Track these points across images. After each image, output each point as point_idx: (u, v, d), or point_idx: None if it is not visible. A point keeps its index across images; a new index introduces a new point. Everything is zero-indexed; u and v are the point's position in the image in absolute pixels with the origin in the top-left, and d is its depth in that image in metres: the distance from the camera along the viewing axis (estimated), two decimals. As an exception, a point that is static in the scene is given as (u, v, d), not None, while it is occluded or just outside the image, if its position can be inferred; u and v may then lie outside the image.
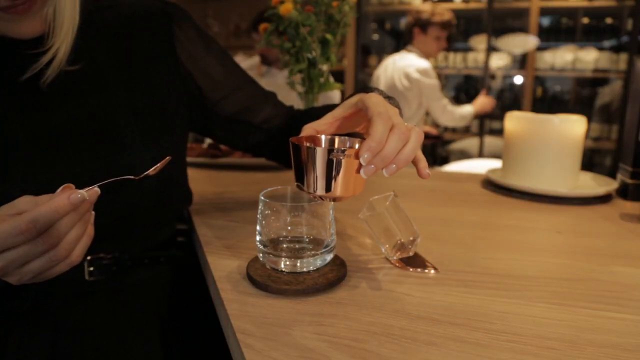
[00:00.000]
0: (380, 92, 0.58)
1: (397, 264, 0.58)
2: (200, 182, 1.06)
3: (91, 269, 0.63)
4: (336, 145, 0.53)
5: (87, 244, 0.45)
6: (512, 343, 0.41)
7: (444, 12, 2.33)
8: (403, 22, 3.52)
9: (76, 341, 0.61)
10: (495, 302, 0.49)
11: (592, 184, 0.98)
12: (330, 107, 0.64)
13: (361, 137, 0.55)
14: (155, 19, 0.68)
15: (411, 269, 0.57)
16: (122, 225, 0.64)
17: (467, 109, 2.46)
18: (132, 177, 0.48)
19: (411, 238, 0.59)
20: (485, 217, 0.81)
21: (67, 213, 0.41)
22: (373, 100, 0.49)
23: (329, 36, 0.92)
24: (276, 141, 0.78)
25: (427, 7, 2.35)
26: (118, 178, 0.47)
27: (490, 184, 1.04)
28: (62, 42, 0.57)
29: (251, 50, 2.30)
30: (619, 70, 2.88)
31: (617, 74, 2.90)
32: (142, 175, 0.49)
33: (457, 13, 3.24)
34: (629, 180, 0.94)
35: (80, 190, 0.42)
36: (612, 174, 1.03)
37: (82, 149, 0.59)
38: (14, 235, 0.39)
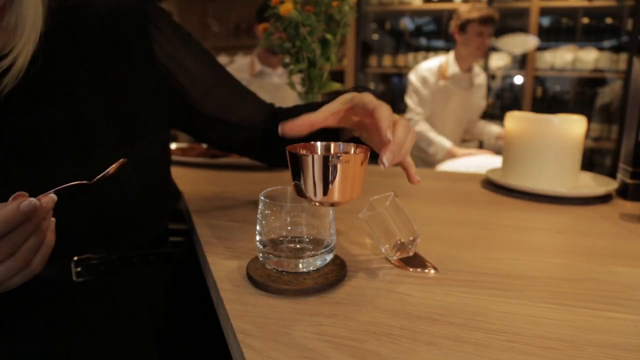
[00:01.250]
0: (372, 92, 0.59)
1: (397, 264, 0.58)
2: (200, 182, 1.06)
3: (79, 269, 0.61)
4: (332, 151, 0.53)
5: (47, 252, 0.44)
6: (512, 343, 0.41)
7: (482, 7, 2.27)
8: (403, 22, 3.53)
9: (67, 342, 0.60)
10: (495, 302, 0.49)
11: (592, 184, 0.98)
12: (314, 105, 0.64)
13: (354, 142, 0.56)
14: (129, 17, 0.66)
15: (411, 269, 0.57)
16: (107, 227, 0.62)
17: (442, 143, 2.24)
18: (85, 182, 0.47)
19: (411, 238, 0.59)
20: (485, 217, 0.81)
21: (20, 222, 0.40)
22: (368, 97, 0.52)
23: (329, 36, 0.92)
24: (260, 141, 0.78)
25: (465, 7, 2.29)
26: (71, 184, 0.45)
27: (490, 184, 1.04)
28: (22, 50, 0.54)
29: (252, 50, 2.28)
30: (618, 70, 2.88)
31: (617, 74, 2.90)
32: (95, 179, 0.47)
33: (457, 13, 3.25)
34: (629, 180, 0.94)
35: (32, 198, 0.40)
36: (612, 174, 1.03)
37: (57, 156, 0.57)
38: None
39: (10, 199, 0.40)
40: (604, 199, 0.93)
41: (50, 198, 0.42)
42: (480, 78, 2.42)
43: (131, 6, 0.66)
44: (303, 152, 0.51)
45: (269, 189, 0.55)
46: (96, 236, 0.62)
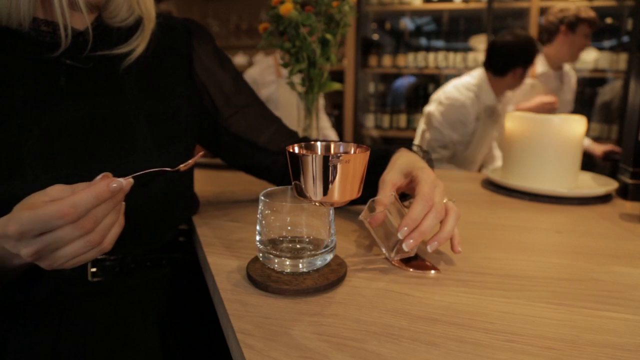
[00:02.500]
0: (418, 151, 0.66)
1: (397, 264, 0.58)
2: (200, 182, 1.06)
3: (94, 269, 0.63)
4: (332, 152, 0.53)
5: (118, 232, 0.46)
6: (512, 343, 0.41)
7: (588, 9, 2.18)
8: (403, 22, 3.53)
9: (77, 341, 0.61)
10: (495, 302, 0.49)
11: (592, 184, 0.98)
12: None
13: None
14: (176, 34, 0.73)
15: (411, 269, 0.57)
16: (127, 228, 0.63)
17: None
18: (167, 169, 0.50)
19: None
20: (485, 217, 0.81)
21: (106, 200, 0.42)
22: (425, 177, 0.58)
23: (329, 36, 0.92)
24: (283, 167, 0.79)
25: (569, 6, 2.18)
26: (153, 170, 0.48)
27: (490, 184, 1.04)
28: (144, 39, 0.66)
29: (252, 50, 2.28)
30: (619, 70, 2.88)
31: (617, 73, 2.90)
32: (176, 168, 0.51)
33: (457, 13, 3.25)
34: (629, 180, 0.94)
35: (120, 179, 0.43)
36: (612, 174, 1.03)
37: (95, 148, 0.60)
38: (55, 218, 0.40)
39: (98, 177, 0.43)
40: (604, 199, 0.93)
41: (129, 182, 0.45)
42: (573, 77, 2.33)
43: (179, 24, 0.74)
44: (303, 152, 0.51)
45: (269, 189, 0.55)
46: None
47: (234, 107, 0.76)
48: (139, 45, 0.66)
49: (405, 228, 0.53)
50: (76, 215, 0.40)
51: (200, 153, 0.54)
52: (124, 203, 0.47)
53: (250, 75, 2.22)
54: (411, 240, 0.53)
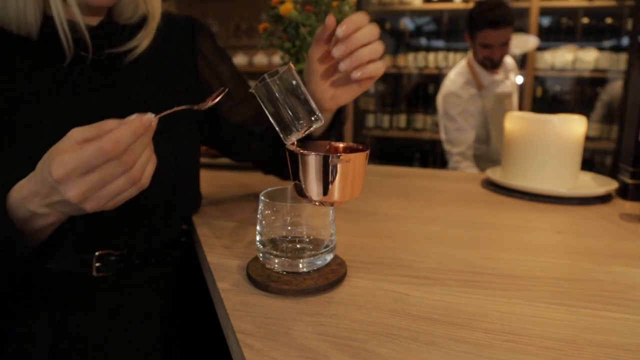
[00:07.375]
0: None
1: (295, 150, 0.49)
2: (201, 182, 1.06)
3: (99, 264, 0.64)
4: (331, 151, 0.53)
5: (152, 169, 0.47)
6: (512, 343, 0.41)
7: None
8: (403, 22, 3.52)
9: (79, 334, 0.61)
10: (495, 302, 0.49)
11: (592, 184, 0.98)
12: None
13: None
14: (180, 29, 0.77)
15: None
16: (131, 221, 0.64)
17: None
18: (192, 106, 0.51)
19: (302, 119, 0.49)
20: (485, 217, 0.81)
21: (141, 135, 0.43)
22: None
23: (329, 36, 0.92)
24: (276, 152, 0.79)
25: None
26: (178, 108, 0.49)
27: (490, 184, 1.04)
28: (148, 35, 0.68)
29: (252, 50, 2.27)
30: (619, 70, 2.88)
31: (617, 74, 2.90)
32: (201, 104, 0.52)
33: (457, 13, 3.25)
34: (629, 180, 0.94)
35: (148, 114, 0.44)
36: (612, 174, 1.03)
37: None
38: (98, 156, 0.40)
39: (131, 117, 0.44)
40: (603, 199, 0.93)
41: (156, 118, 0.45)
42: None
43: (182, 20, 0.78)
44: (303, 151, 0.51)
45: (269, 189, 0.55)
46: (119, 229, 0.64)
47: (234, 100, 0.79)
48: (142, 41, 0.68)
49: (343, 46, 0.53)
50: (119, 151, 0.41)
51: (225, 89, 0.53)
52: (151, 142, 0.47)
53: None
54: (343, 48, 0.53)
